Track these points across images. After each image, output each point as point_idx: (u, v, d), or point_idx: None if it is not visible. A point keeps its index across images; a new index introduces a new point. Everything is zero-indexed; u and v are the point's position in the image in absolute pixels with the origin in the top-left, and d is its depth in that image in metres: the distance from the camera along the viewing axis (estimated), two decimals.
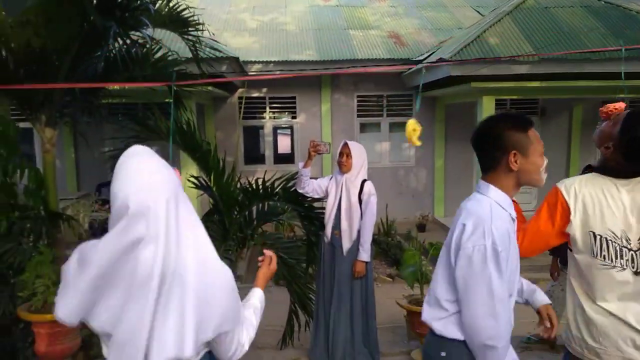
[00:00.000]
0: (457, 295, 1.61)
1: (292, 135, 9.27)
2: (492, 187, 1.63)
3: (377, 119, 9.18)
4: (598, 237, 1.77)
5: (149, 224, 1.08)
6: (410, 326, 3.93)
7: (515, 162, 1.59)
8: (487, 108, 7.01)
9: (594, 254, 1.77)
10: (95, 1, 3.42)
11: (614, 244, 1.75)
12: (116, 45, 3.80)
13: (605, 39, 6.92)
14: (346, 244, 3.41)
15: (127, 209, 1.07)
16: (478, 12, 10.34)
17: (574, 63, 6.58)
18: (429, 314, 1.70)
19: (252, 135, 9.50)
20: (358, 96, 9.06)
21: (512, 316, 1.65)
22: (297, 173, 4.01)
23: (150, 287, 1.06)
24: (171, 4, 4.10)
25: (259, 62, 8.18)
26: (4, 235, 3.27)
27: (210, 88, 6.83)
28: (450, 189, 9.05)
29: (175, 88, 3.71)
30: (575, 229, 1.80)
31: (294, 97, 9.00)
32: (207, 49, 5.21)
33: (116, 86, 4.48)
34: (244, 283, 5.13)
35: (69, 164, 8.51)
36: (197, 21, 4.33)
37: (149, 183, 1.12)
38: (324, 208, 3.99)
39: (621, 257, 1.75)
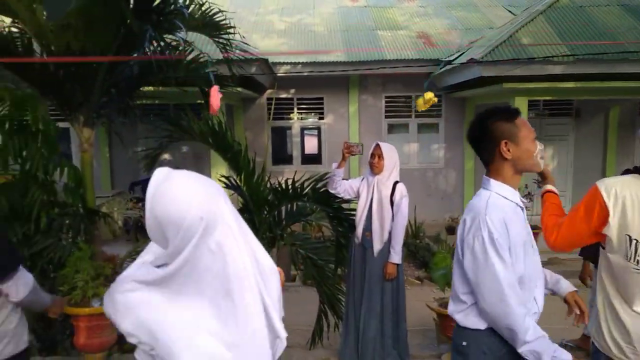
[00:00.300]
0: (470, 287, 1.71)
1: (319, 136, 9.30)
2: (492, 180, 1.73)
3: (406, 119, 9.12)
4: (634, 242, 1.73)
5: (224, 229, 1.10)
6: (440, 329, 3.89)
7: (508, 150, 1.68)
8: (519, 109, 6.86)
9: (628, 257, 1.75)
10: (132, 6, 3.52)
11: None
12: (151, 48, 3.91)
13: None
14: (377, 246, 3.40)
15: (200, 220, 1.06)
16: (510, 11, 10.14)
17: (610, 63, 6.37)
18: (452, 308, 1.82)
19: (280, 136, 9.58)
20: (386, 97, 9.02)
21: (538, 302, 1.70)
22: (326, 174, 4.03)
23: (248, 284, 1.11)
24: (203, 8, 4.19)
25: (287, 64, 8.24)
26: (44, 231, 3.40)
27: (239, 89, 6.92)
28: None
29: (206, 89, 3.80)
30: (612, 230, 1.77)
31: (322, 98, 9.04)
32: (237, 51, 5.30)
33: (150, 87, 4.60)
34: None
35: (104, 162, 8.77)
36: (228, 24, 4.41)
37: (211, 190, 1.14)
38: (353, 209, 4.00)
39: None
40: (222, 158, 4.15)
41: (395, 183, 3.39)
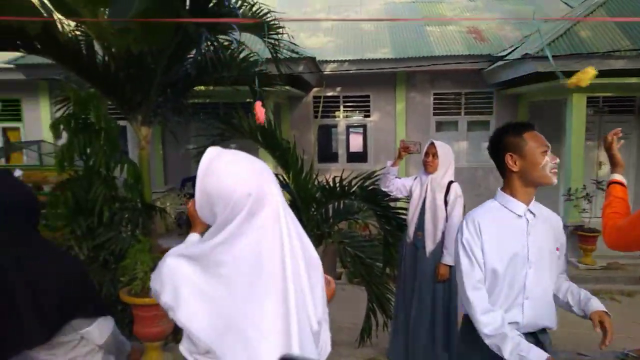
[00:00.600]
0: None
1: (364, 133, 9.25)
2: (499, 191, 1.85)
3: (455, 117, 8.91)
4: None
5: (271, 210, 1.11)
6: None
7: (514, 163, 1.76)
8: (577, 106, 6.56)
9: None
10: (188, 8, 3.64)
11: None
12: (204, 48, 4.03)
13: None
14: (429, 246, 3.34)
15: (249, 196, 1.08)
16: (566, 3, 9.68)
17: None
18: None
19: (325, 134, 9.62)
20: (434, 94, 8.85)
21: (525, 314, 1.76)
22: (374, 172, 4.01)
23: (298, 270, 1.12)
24: (254, 9, 4.27)
25: (334, 62, 8.25)
26: (106, 224, 3.59)
27: (287, 87, 7.00)
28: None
29: (257, 89, 3.87)
30: None
31: (368, 96, 8.99)
32: (285, 50, 5.37)
33: (202, 87, 4.75)
34: None
35: (157, 159, 9.12)
36: (277, 24, 4.47)
37: (261, 169, 1.15)
38: (400, 208, 3.96)
39: None
40: (271, 156, 4.22)
41: (450, 183, 3.32)
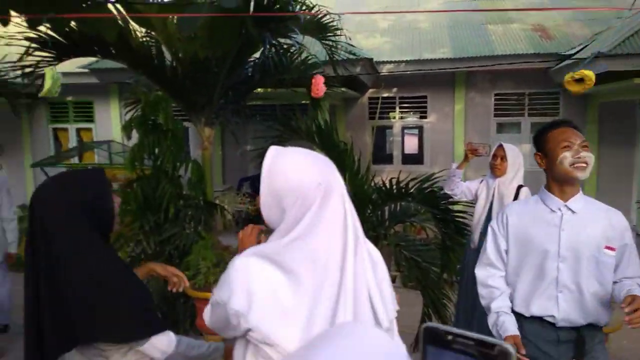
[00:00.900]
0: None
1: (420, 135, 9.10)
2: (542, 188, 1.96)
3: (517, 118, 8.57)
4: None
5: (338, 200, 1.12)
6: None
7: (541, 161, 1.90)
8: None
9: None
10: (252, 13, 3.75)
11: None
12: (266, 52, 4.13)
13: None
14: None
15: (319, 185, 1.09)
16: None
17: None
18: None
19: (380, 135, 9.55)
20: (495, 94, 8.55)
21: (560, 307, 1.79)
22: (433, 174, 3.93)
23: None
24: (313, 11, 4.33)
25: (391, 62, 8.18)
26: (171, 220, 3.78)
27: (343, 89, 7.03)
28: (604, 195, 8.05)
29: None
30: None
31: (425, 97, 8.83)
32: (342, 52, 5.39)
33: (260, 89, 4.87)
34: None
35: (217, 159, 9.45)
36: (335, 26, 4.50)
37: (324, 159, 1.18)
38: (460, 211, 3.86)
39: None
40: (328, 157, 4.25)
41: (520, 187, 3.21)
